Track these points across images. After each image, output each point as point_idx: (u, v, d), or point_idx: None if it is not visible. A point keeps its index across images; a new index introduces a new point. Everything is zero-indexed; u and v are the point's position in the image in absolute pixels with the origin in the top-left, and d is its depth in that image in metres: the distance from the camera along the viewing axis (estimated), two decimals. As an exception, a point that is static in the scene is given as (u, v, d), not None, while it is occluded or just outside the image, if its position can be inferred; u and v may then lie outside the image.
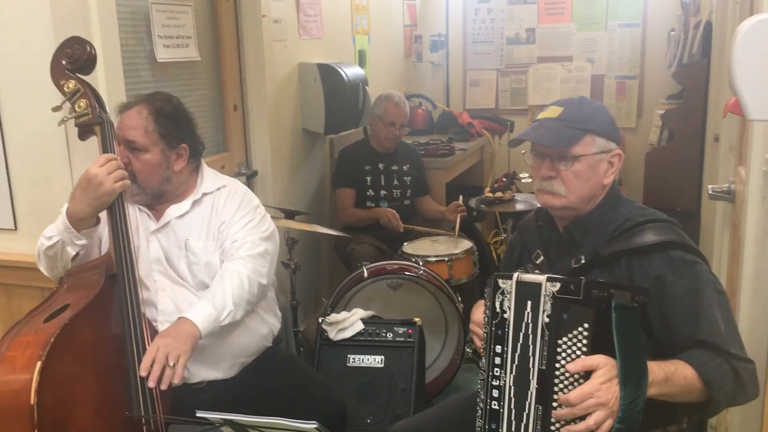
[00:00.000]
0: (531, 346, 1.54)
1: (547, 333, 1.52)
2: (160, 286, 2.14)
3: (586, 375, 1.47)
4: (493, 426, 1.58)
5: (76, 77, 2.02)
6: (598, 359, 1.47)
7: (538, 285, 1.54)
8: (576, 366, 1.47)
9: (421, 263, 3.25)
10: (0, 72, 2.26)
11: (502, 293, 1.59)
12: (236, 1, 3.32)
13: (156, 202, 2.19)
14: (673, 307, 1.60)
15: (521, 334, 1.56)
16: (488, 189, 3.92)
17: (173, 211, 2.18)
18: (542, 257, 1.82)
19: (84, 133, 2.07)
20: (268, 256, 2.20)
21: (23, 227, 2.36)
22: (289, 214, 3.18)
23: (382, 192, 3.93)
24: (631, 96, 5.63)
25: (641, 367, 1.48)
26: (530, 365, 1.53)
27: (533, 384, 1.53)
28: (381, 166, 3.94)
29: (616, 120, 1.80)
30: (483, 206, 3.86)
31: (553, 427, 1.50)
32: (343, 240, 3.72)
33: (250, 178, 3.43)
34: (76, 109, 2.01)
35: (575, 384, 1.48)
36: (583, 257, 1.71)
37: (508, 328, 1.57)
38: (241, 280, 2.08)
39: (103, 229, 2.08)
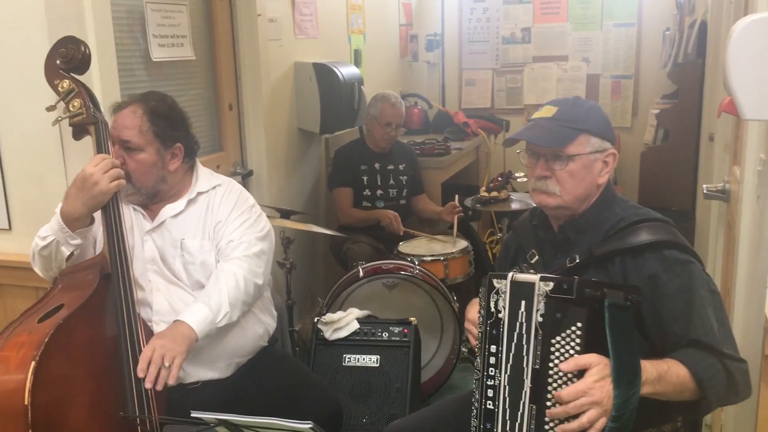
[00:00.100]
0: (525, 346, 1.54)
1: (540, 332, 1.52)
2: (155, 286, 2.14)
3: (580, 374, 1.47)
4: (488, 425, 1.58)
5: (71, 77, 2.02)
6: (591, 358, 1.47)
7: (532, 284, 1.54)
8: (569, 365, 1.48)
9: (416, 263, 3.25)
10: (-6, 71, 2.25)
11: (497, 293, 1.59)
12: (231, 0, 3.32)
13: (151, 202, 2.18)
14: (667, 306, 1.60)
15: (515, 334, 1.56)
16: (484, 188, 3.93)
17: (168, 210, 2.18)
18: (537, 257, 1.82)
19: (78, 132, 2.07)
20: (264, 256, 2.20)
21: (17, 227, 2.36)
22: (285, 214, 3.18)
23: (378, 192, 3.93)
24: (626, 95, 5.65)
25: (634, 365, 1.48)
26: (524, 365, 1.54)
27: (527, 383, 1.53)
28: (377, 165, 3.94)
29: (612, 119, 1.81)
30: (478, 206, 3.86)
31: (547, 426, 1.50)
32: (339, 239, 3.72)
33: (245, 178, 3.42)
34: (71, 108, 2.01)
35: (569, 383, 1.48)
36: (577, 257, 1.71)
37: (503, 328, 1.57)
38: (237, 281, 2.08)
39: (98, 229, 2.08)
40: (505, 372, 1.56)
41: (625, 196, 1.88)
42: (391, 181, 3.95)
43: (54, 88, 2.02)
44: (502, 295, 1.58)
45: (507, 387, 1.56)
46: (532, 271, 1.77)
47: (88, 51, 2.03)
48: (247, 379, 2.21)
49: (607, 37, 5.63)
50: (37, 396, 1.64)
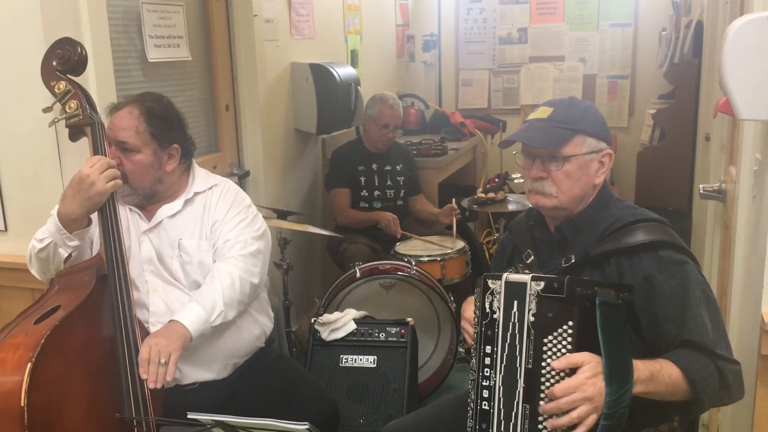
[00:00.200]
0: (518, 346, 1.54)
1: (532, 332, 1.52)
2: (151, 287, 2.14)
3: (572, 372, 1.47)
4: (484, 426, 1.58)
5: (67, 78, 2.02)
6: (583, 357, 1.47)
7: (524, 284, 1.55)
8: (561, 363, 1.48)
9: (413, 263, 3.25)
10: (-10, 73, 2.25)
11: (492, 293, 1.59)
12: (228, 0, 3.31)
13: (147, 203, 2.18)
14: (661, 306, 1.61)
15: (509, 334, 1.56)
16: (481, 189, 3.93)
17: (165, 210, 2.17)
18: (533, 257, 1.83)
19: (75, 134, 2.07)
20: (260, 256, 2.20)
21: (13, 228, 2.35)
22: (282, 215, 3.18)
23: (376, 192, 3.93)
24: (622, 95, 5.66)
25: (626, 363, 1.48)
26: (517, 365, 1.54)
27: (521, 383, 1.53)
28: (374, 166, 3.94)
29: (608, 119, 1.81)
30: (475, 206, 3.87)
31: (540, 426, 1.50)
32: (336, 240, 3.72)
33: (242, 179, 3.42)
34: (67, 110, 2.01)
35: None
36: (573, 257, 1.71)
37: (498, 329, 1.57)
38: (233, 280, 2.08)
39: (95, 230, 2.07)
40: (500, 372, 1.56)
41: (622, 196, 1.88)
42: (389, 182, 3.95)
43: (50, 89, 2.01)
44: (497, 296, 1.58)
45: (501, 387, 1.56)
46: (527, 271, 1.77)
47: (84, 52, 2.03)
48: (243, 380, 2.21)
49: (604, 38, 5.65)
50: (34, 397, 1.64)
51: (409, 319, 2.93)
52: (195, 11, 3.11)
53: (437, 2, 6.02)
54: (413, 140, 4.66)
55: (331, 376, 2.86)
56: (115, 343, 1.87)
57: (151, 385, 1.82)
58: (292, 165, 3.92)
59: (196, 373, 2.13)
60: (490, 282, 1.60)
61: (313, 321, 2.95)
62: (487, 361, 1.58)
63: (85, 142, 2.05)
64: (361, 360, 2.87)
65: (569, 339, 1.49)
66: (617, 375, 1.46)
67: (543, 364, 1.50)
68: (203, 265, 2.15)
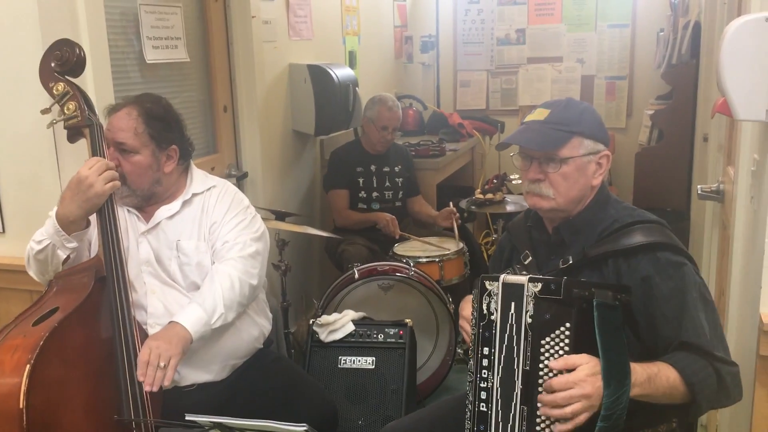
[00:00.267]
0: (515, 347, 1.54)
1: (530, 333, 1.52)
2: (149, 288, 2.13)
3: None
4: (482, 427, 1.58)
5: (65, 80, 2.02)
6: (581, 358, 1.48)
7: (521, 286, 1.55)
8: (558, 364, 1.48)
9: (412, 264, 3.25)
10: (-12, 74, 2.25)
11: (489, 295, 1.59)
12: (226, 2, 3.31)
13: (146, 204, 2.18)
14: (659, 308, 1.61)
15: (506, 336, 1.56)
16: (479, 190, 3.93)
17: (163, 212, 2.17)
18: (530, 258, 1.83)
19: (73, 135, 2.07)
20: (259, 257, 2.20)
21: (11, 230, 2.35)
22: (280, 216, 3.18)
23: (374, 194, 3.93)
24: (620, 96, 5.66)
25: (624, 365, 1.48)
26: (515, 366, 1.54)
27: (518, 385, 1.53)
28: (373, 167, 3.93)
29: (606, 120, 1.81)
30: (474, 207, 3.87)
31: (538, 428, 1.50)
32: (335, 241, 3.72)
33: (240, 180, 3.42)
34: (65, 111, 2.01)
35: None
36: (570, 258, 1.71)
37: (495, 330, 1.58)
38: (232, 282, 2.08)
39: (93, 232, 2.07)
40: (497, 374, 1.57)
41: (620, 196, 1.88)
42: (387, 183, 3.95)
43: (49, 90, 2.01)
44: (494, 297, 1.58)
45: (499, 389, 1.56)
46: (524, 272, 1.77)
47: (82, 53, 2.03)
48: (242, 381, 2.20)
49: (602, 38, 5.65)
50: (32, 399, 1.64)
51: (407, 320, 2.93)
52: (193, 12, 3.11)
53: (435, 3, 6.03)
54: (411, 141, 4.66)
55: (329, 378, 2.85)
56: (114, 344, 1.87)
57: (147, 388, 1.81)
58: (290, 166, 3.92)
59: (194, 375, 2.12)
60: (487, 283, 1.60)
61: (311, 322, 2.95)
62: (485, 362, 1.58)
63: (83, 144, 2.05)
64: (359, 361, 2.87)
65: (567, 340, 1.49)
66: (615, 376, 1.46)
67: (540, 365, 1.50)
68: (201, 267, 2.15)
